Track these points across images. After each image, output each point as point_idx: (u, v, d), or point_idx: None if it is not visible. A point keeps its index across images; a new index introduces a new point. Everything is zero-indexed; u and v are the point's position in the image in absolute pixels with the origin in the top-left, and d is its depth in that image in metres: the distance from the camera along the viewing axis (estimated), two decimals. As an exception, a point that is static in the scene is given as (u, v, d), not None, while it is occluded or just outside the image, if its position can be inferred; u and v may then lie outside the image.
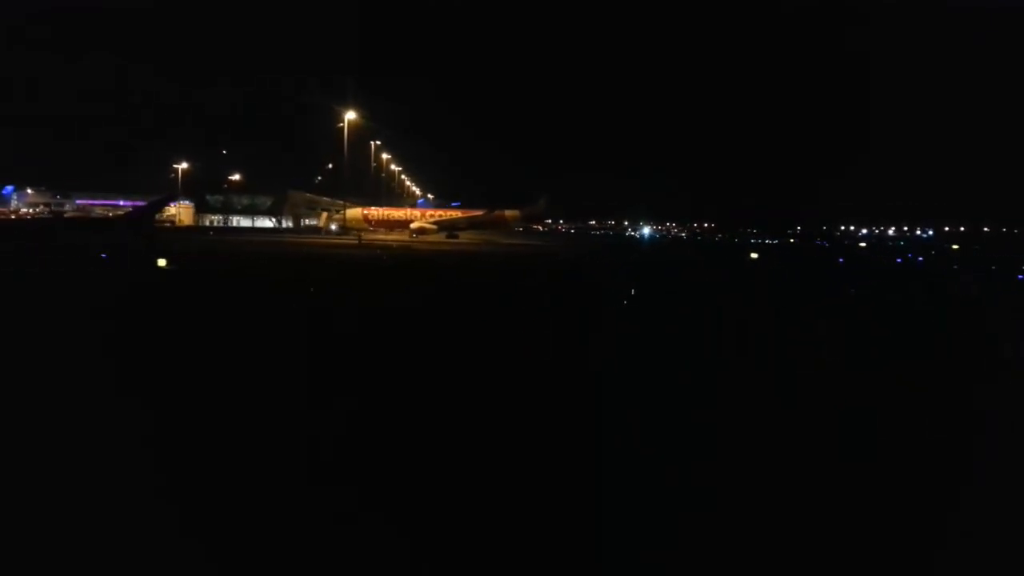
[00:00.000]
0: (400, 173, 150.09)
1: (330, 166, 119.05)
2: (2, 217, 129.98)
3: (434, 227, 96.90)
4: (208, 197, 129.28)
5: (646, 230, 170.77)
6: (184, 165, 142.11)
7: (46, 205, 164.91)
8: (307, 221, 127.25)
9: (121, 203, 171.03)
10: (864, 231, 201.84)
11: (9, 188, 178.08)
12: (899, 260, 70.26)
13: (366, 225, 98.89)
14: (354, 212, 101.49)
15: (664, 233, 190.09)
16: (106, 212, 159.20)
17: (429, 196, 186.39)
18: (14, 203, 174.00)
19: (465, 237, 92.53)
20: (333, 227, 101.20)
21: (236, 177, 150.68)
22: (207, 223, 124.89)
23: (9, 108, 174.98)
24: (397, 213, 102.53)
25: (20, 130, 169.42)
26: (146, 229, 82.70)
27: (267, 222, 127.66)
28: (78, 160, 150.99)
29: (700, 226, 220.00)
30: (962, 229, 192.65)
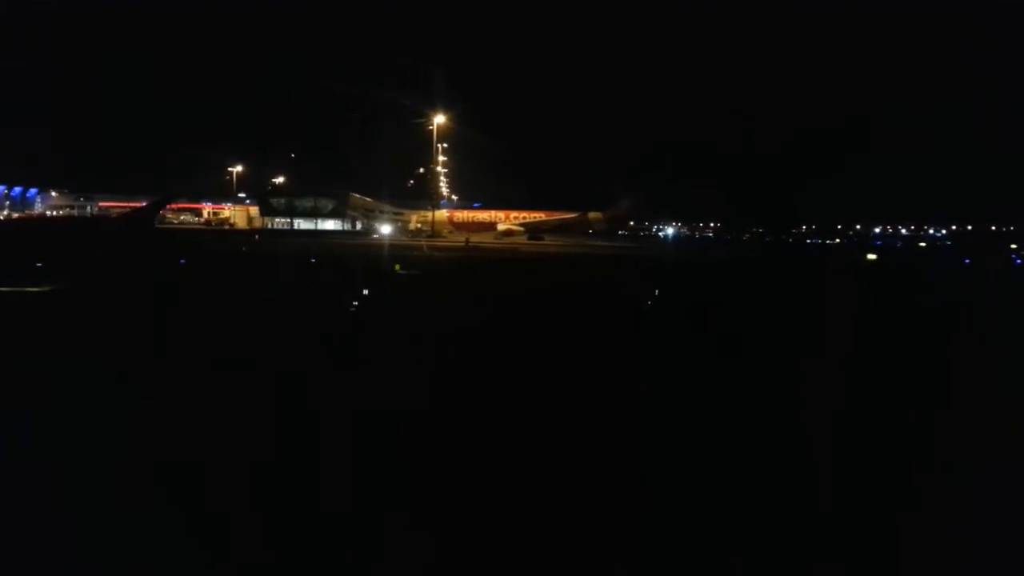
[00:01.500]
0: (442, 174, 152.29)
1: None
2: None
3: (521, 229, 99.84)
4: (272, 200, 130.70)
5: (670, 230, 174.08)
6: (239, 168, 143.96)
7: (70, 207, 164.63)
8: (359, 225, 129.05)
9: (144, 204, 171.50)
10: (877, 229, 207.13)
11: (33, 191, 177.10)
12: (967, 261, 71.22)
13: (451, 228, 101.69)
14: (439, 215, 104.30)
15: (683, 232, 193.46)
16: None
17: (453, 197, 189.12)
18: (38, 206, 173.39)
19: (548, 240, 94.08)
20: (418, 228, 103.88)
21: (281, 179, 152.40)
22: (270, 226, 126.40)
23: (65, 109, 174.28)
24: (481, 216, 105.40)
25: (79, 132, 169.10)
26: (147, 229, 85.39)
27: (329, 224, 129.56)
28: (127, 163, 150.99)
29: (706, 226, 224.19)
30: (969, 228, 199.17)
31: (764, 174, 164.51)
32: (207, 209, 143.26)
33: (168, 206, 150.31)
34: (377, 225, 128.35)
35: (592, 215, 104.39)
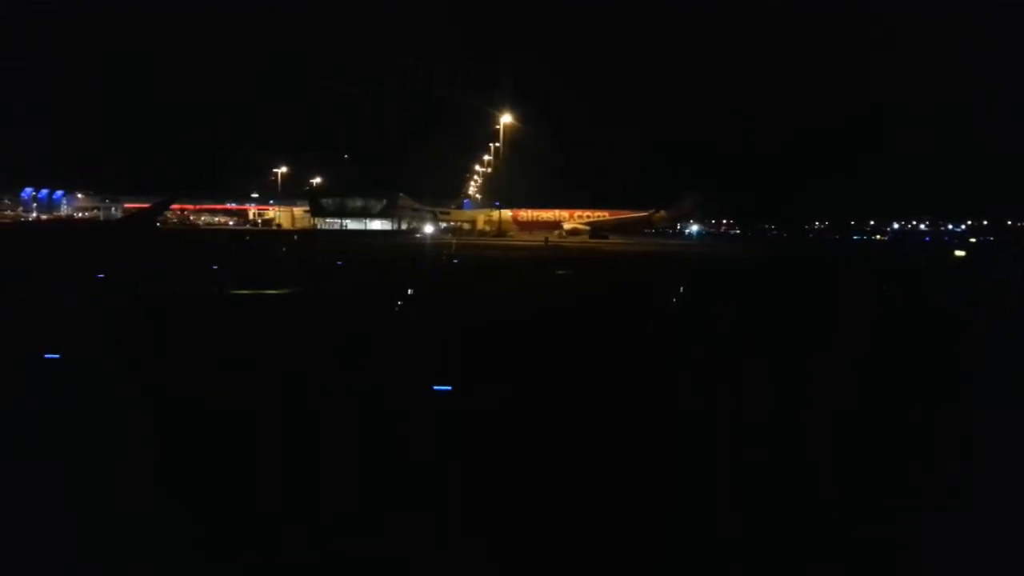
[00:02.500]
0: (479, 175, 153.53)
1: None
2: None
3: (586, 228, 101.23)
4: (322, 200, 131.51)
5: (695, 228, 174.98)
6: (284, 169, 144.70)
7: (95, 208, 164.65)
8: (403, 224, 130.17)
9: (172, 205, 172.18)
10: (896, 225, 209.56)
11: (59, 193, 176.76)
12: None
13: (515, 227, 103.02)
14: (494, 215, 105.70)
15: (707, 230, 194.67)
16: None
17: (477, 196, 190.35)
18: (64, 207, 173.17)
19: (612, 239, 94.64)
20: (484, 228, 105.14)
21: (316, 179, 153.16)
22: (321, 226, 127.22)
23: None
24: (545, 215, 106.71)
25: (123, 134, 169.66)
26: (148, 230, 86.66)
27: (375, 224, 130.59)
28: (175, 164, 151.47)
29: (728, 223, 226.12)
30: (984, 223, 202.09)
31: (776, 171, 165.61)
32: (252, 210, 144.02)
33: (172, 207, 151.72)
34: (420, 224, 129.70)
35: (655, 214, 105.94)
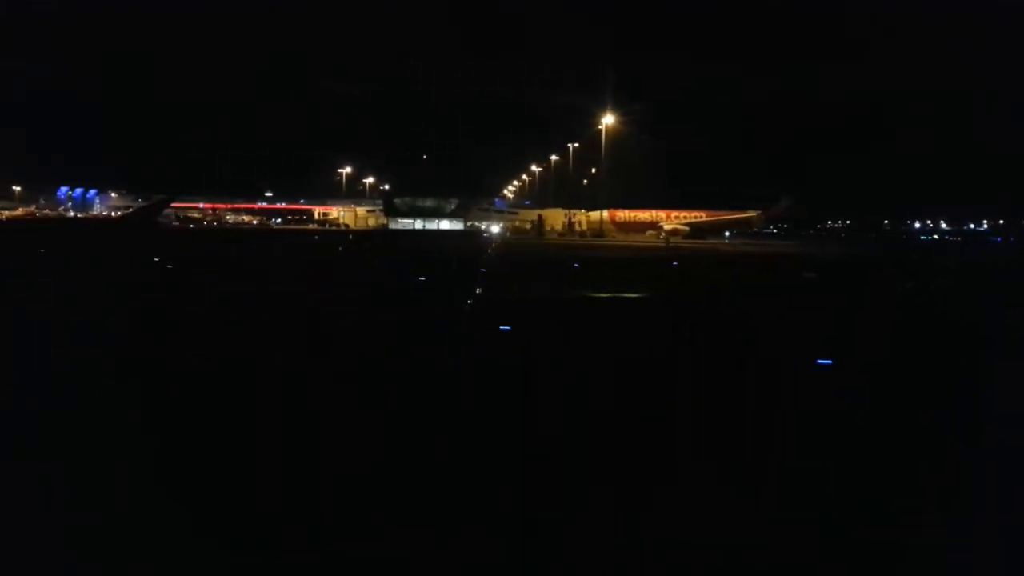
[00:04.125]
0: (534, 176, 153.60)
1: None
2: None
3: (686, 228, 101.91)
4: (396, 200, 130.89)
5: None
6: (347, 169, 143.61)
7: (128, 207, 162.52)
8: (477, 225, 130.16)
9: (200, 205, 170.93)
10: (917, 224, 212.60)
11: (92, 192, 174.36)
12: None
13: (612, 227, 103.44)
14: (594, 215, 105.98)
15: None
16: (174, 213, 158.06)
17: (508, 195, 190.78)
18: (97, 206, 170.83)
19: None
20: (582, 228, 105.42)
21: (369, 179, 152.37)
22: (392, 226, 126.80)
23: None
24: (643, 215, 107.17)
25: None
26: (149, 229, 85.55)
27: (444, 224, 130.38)
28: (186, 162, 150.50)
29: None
30: (1000, 222, 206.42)
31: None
32: (317, 210, 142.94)
33: (172, 204, 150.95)
34: (489, 224, 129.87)
35: (755, 214, 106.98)
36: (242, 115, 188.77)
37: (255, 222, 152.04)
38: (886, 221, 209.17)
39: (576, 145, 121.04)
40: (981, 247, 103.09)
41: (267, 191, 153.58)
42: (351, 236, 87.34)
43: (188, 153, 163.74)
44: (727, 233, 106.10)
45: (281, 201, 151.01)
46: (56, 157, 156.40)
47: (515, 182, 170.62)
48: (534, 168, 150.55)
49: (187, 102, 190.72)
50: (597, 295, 25.85)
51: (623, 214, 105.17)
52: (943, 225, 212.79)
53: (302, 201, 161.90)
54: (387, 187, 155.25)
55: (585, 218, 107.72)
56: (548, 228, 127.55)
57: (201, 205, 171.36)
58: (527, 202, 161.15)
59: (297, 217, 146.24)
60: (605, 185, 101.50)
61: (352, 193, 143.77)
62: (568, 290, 27.31)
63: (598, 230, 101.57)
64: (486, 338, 15.54)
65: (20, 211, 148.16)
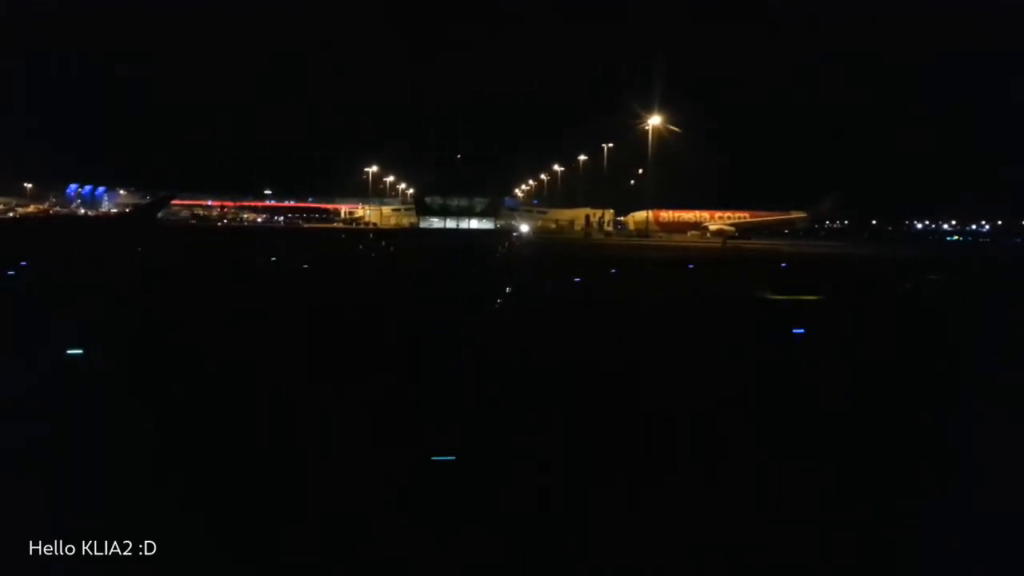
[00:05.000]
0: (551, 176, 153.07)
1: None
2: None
3: (732, 229, 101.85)
4: (427, 199, 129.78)
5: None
6: (374, 168, 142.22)
7: (136, 204, 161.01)
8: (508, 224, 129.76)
9: (209, 203, 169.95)
10: (919, 225, 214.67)
11: (101, 189, 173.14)
12: None
13: (655, 227, 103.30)
14: (640, 215, 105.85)
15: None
16: (188, 210, 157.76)
17: (519, 194, 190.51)
18: (105, 203, 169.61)
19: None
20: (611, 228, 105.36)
21: (391, 178, 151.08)
22: (423, 225, 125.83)
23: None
24: (687, 215, 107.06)
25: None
26: (148, 226, 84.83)
27: (474, 223, 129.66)
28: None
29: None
30: (999, 223, 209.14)
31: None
32: (344, 209, 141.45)
33: (172, 202, 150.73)
34: (518, 224, 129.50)
35: (799, 215, 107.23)
36: (258, 115, 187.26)
37: (280, 220, 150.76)
38: (874, 221, 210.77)
39: (611, 145, 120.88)
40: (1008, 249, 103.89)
41: (288, 190, 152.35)
42: (391, 242, 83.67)
43: (204, 152, 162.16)
44: (786, 231, 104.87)
45: (302, 200, 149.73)
46: (67, 154, 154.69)
47: (530, 181, 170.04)
48: (556, 168, 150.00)
49: (206, 102, 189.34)
50: (776, 297, 24.79)
51: (667, 214, 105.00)
52: (945, 226, 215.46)
53: (311, 200, 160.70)
54: (403, 185, 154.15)
55: (607, 217, 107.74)
56: (578, 228, 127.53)
57: (209, 203, 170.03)
58: (535, 201, 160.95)
59: (321, 216, 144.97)
60: (652, 185, 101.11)
61: (374, 192, 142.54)
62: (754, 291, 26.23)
63: (644, 230, 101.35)
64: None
65: (32, 208, 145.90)
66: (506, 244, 62.37)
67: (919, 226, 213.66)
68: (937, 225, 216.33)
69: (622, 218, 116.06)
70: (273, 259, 38.21)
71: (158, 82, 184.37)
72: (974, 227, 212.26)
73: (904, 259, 55.36)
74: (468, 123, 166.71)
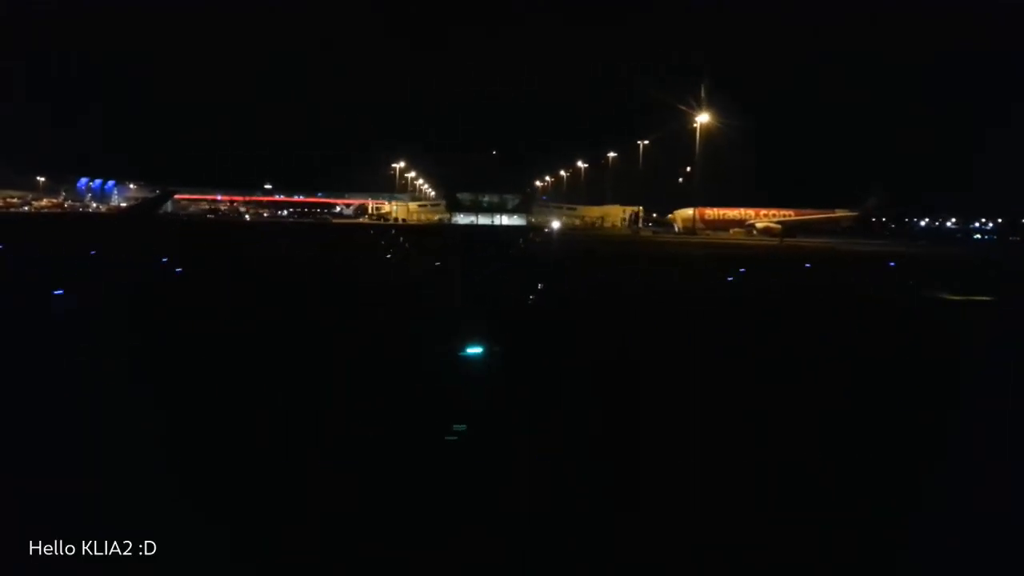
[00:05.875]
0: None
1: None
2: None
3: (779, 227, 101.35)
4: (459, 195, 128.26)
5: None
6: (401, 164, 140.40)
7: (139, 200, 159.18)
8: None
9: (219, 197, 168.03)
10: (923, 222, 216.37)
11: (111, 183, 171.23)
12: None
13: (699, 224, 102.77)
14: (686, 212, 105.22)
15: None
16: (195, 205, 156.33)
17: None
18: (115, 198, 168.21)
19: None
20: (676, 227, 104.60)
21: (412, 174, 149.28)
22: (450, 221, 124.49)
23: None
24: (731, 213, 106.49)
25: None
26: (148, 221, 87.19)
27: (504, 219, 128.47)
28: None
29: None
30: (999, 221, 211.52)
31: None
32: (371, 204, 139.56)
33: (179, 197, 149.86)
34: (549, 220, 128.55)
35: (843, 213, 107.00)
36: (270, 111, 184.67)
37: (283, 214, 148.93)
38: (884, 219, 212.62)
39: (647, 142, 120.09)
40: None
41: (297, 185, 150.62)
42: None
43: (215, 147, 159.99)
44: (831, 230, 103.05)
45: (311, 195, 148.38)
46: (78, 148, 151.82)
47: (547, 178, 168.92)
48: (580, 164, 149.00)
49: (217, 97, 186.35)
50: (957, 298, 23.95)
51: (712, 212, 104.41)
52: (948, 224, 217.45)
53: (319, 195, 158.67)
54: (420, 182, 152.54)
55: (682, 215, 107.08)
56: (609, 225, 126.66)
57: (218, 197, 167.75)
58: (544, 198, 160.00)
59: (325, 210, 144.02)
60: (698, 183, 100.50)
61: (394, 189, 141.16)
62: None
63: (692, 227, 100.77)
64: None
65: (45, 202, 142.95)
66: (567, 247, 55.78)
67: (922, 224, 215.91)
68: (941, 223, 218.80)
69: (667, 216, 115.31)
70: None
71: (168, 77, 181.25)
72: (977, 224, 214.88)
73: (988, 259, 52.94)
74: (495, 120, 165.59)
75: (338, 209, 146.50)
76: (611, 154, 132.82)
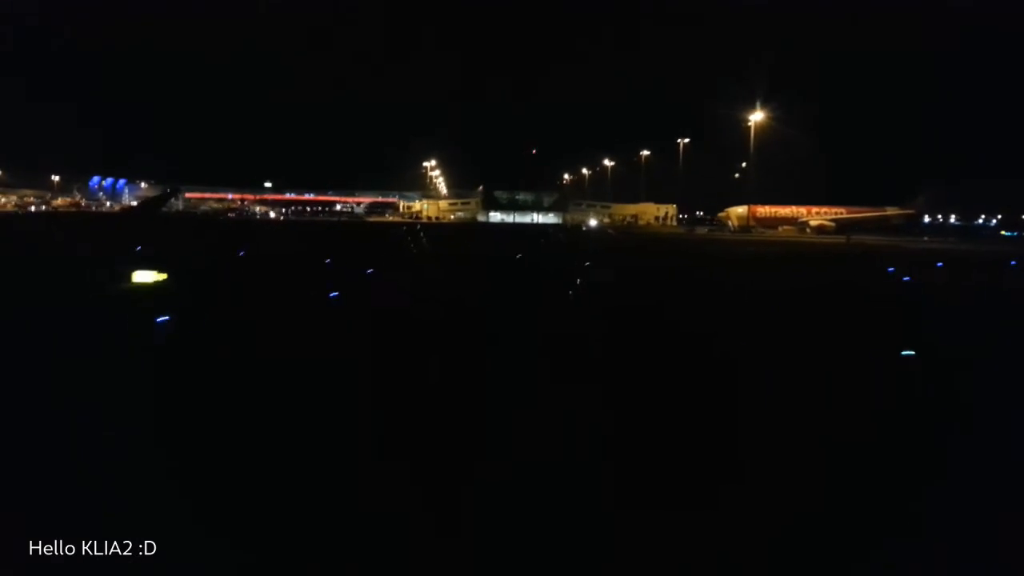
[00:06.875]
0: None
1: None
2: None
3: (833, 225, 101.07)
4: (496, 193, 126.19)
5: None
6: (432, 162, 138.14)
7: (143, 199, 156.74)
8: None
9: (230, 196, 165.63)
10: (927, 219, 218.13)
11: (122, 182, 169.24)
12: None
13: (752, 222, 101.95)
14: (740, 210, 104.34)
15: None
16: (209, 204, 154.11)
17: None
18: (126, 196, 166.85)
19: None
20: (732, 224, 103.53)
21: (435, 173, 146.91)
22: (485, 219, 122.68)
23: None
24: (783, 211, 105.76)
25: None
26: (150, 219, 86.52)
27: (542, 218, 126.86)
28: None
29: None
30: (1000, 217, 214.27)
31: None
32: (402, 204, 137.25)
33: (184, 196, 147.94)
34: (585, 219, 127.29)
35: (895, 210, 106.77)
36: (286, 109, 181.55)
37: (271, 214, 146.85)
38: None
39: (687, 141, 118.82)
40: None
41: (308, 183, 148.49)
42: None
43: (231, 146, 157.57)
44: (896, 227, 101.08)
45: (322, 193, 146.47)
46: (92, 147, 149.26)
47: (566, 176, 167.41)
48: (607, 162, 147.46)
49: (235, 95, 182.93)
50: None
51: (764, 209, 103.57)
52: (952, 220, 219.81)
53: (330, 193, 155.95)
54: (440, 179, 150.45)
55: (671, 212, 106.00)
56: (643, 223, 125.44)
57: (230, 195, 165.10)
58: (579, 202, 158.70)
59: (325, 208, 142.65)
60: (752, 181, 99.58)
61: (405, 187, 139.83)
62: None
63: (747, 225, 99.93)
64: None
65: (60, 200, 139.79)
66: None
67: (927, 219, 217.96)
68: (945, 220, 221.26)
69: (717, 214, 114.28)
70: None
71: (178, 76, 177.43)
72: (979, 221, 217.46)
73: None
74: (530, 120, 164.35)
75: (339, 207, 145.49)
76: (644, 152, 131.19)
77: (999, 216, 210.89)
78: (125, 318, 15.08)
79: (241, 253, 34.76)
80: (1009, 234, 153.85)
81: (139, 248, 33.53)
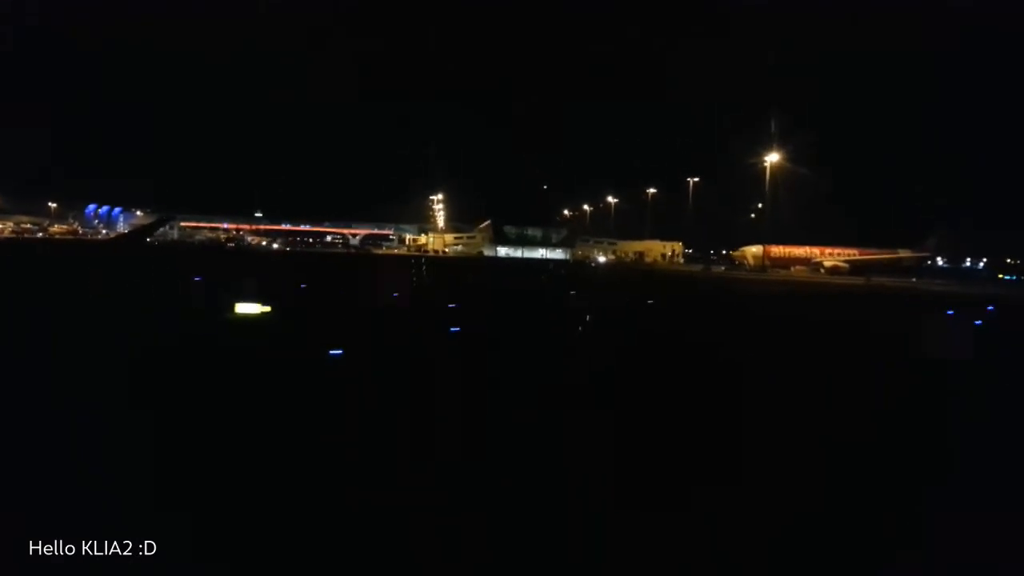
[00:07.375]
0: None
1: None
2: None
3: (846, 266, 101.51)
4: (505, 228, 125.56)
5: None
6: (440, 196, 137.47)
7: (133, 227, 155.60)
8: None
9: (225, 225, 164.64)
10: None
11: (117, 210, 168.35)
12: None
13: (766, 262, 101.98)
14: (755, 249, 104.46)
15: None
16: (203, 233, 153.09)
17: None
18: (121, 224, 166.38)
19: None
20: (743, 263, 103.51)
21: (439, 206, 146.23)
22: (492, 253, 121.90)
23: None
24: (797, 251, 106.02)
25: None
26: (141, 246, 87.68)
27: (549, 254, 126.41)
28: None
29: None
30: (985, 260, 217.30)
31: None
32: (408, 237, 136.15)
33: (175, 224, 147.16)
34: (594, 254, 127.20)
35: (906, 252, 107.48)
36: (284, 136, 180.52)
37: (265, 243, 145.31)
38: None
39: (696, 180, 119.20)
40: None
41: (303, 213, 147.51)
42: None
43: (224, 174, 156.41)
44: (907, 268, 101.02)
45: (318, 224, 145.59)
46: (88, 175, 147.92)
47: (565, 212, 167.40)
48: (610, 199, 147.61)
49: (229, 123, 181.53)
50: None
51: (777, 249, 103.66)
52: (940, 262, 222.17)
53: (326, 224, 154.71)
54: (440, 205, 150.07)
55: (678, 250, 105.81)
56: (650, 260, 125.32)
57: (225, 225, 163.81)
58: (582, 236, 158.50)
59: (318, 239, 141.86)
60: (767, 222, 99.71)
61: (403, 219, 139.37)
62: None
63: (762, 265, 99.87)
64: None
65: (57, 228, 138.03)
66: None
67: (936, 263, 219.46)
68: (933, 262, 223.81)
69: (730, 252, 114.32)
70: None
71: (173, 106, 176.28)
72: (967, 264, 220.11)
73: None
74: (534, 151, 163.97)
75: (330, 238, 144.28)
76: (650, 190, 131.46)
77: (984, 259, 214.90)
78: (300, 350, 14.24)
79: (303, 286, 33.21)
80: (1008, 278, 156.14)
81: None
